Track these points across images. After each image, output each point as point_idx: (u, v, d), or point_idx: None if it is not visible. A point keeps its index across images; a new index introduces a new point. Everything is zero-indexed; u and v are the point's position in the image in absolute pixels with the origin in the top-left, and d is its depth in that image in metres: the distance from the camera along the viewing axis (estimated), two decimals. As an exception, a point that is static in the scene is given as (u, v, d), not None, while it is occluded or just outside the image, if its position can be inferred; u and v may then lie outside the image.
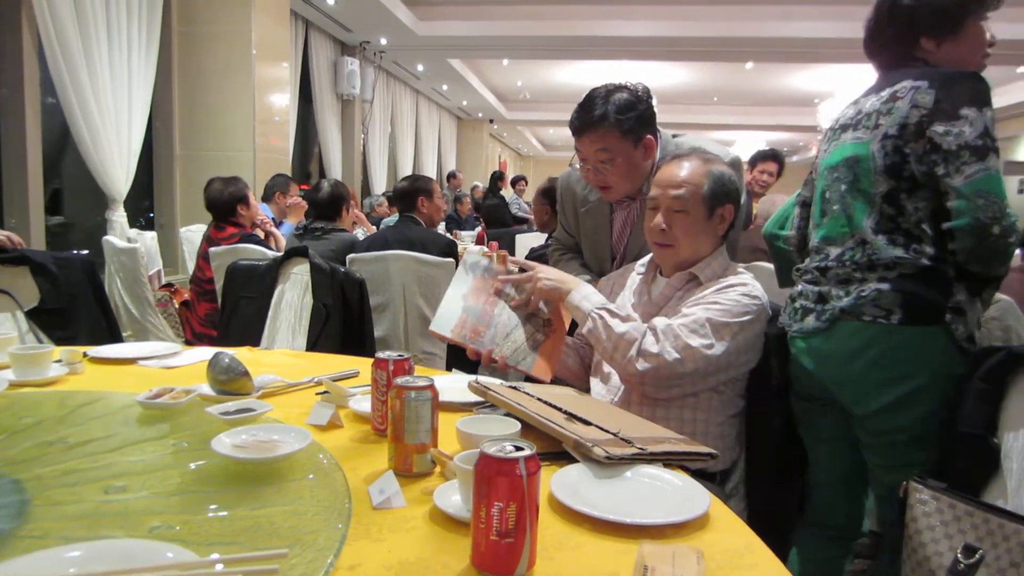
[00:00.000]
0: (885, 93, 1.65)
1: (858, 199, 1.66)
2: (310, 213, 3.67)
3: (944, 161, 1.51)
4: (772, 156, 4.79)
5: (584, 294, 1.68)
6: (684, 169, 1.70)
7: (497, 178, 10.18)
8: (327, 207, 3.53)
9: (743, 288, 1.62)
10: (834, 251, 1.70)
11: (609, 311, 1.63)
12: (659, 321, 1.60)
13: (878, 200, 1.62)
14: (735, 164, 1.92)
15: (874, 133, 1.63)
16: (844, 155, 1.70)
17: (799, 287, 1.79)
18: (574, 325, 1.77)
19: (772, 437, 1.77)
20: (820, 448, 1.81)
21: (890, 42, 1.72)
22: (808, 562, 1.83)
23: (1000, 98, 10.63)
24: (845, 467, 1.77)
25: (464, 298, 1.70)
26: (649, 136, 1.90)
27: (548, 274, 1.73)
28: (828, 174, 1.76)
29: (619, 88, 1.89)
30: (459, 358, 3.27)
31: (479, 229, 7.09)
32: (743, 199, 2.00)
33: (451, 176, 10.98)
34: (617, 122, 1.84)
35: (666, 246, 1.71)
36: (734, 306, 1.58)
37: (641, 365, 1.54)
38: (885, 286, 1.58)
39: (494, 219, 6.95)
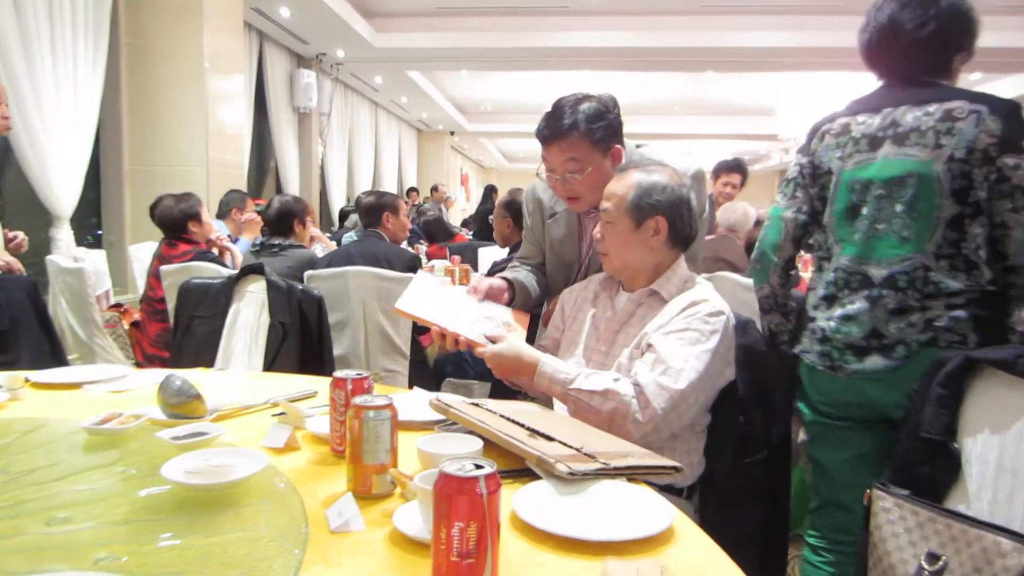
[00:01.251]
0: (935, 109, 1.64)
1: (919, 220, 1.64)
2: (265, 230, 3.63)
3: (1011, 195, 1.56)
4: (736, 167, 4.84)
5: (548, 377, 1.59)
6: (618, 182, 1.74)
7: (491, 191, 10.20)
8: (277, 223, 3.50)
9: (707, 306, 1.63)
10: (879, 273, 1.68)
11: (586, 391, 1.55)
12: (644, 376, 1.54)
13: (942, 224, 1.62)
14: (697, 177, 1.94)
15: (936, 153, 1.62)
16: (895, 172, 1.67)
17: (831, 324, 1.75)
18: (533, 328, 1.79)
19: (738, 449, 1.79)
20: (840, 465, 1.82)
21: (926, 50, 1.69)
22: None
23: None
24: (863, 482, 1.78)
25: (427, 289, 1.75)
26: (617, 146, 1.92)
27: (504, 357, 1.64)
28: (864, 189, 1.72)
29: (587, 97, 1.90)
30: (421, 376, 3.26)
31: (428, 246, 7.08)
32: (706, 211, 2.02)
33: (433, 191, 10.93)
34: (588, 131, 1.85)
35: (603, 254, 1.76)
36: (703, 326, 1.59)
37: (639, 434, 1.52)
38: (960, 313, 1.61)
39: (436, 232, 7.01)
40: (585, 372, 1.59)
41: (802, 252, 1.98)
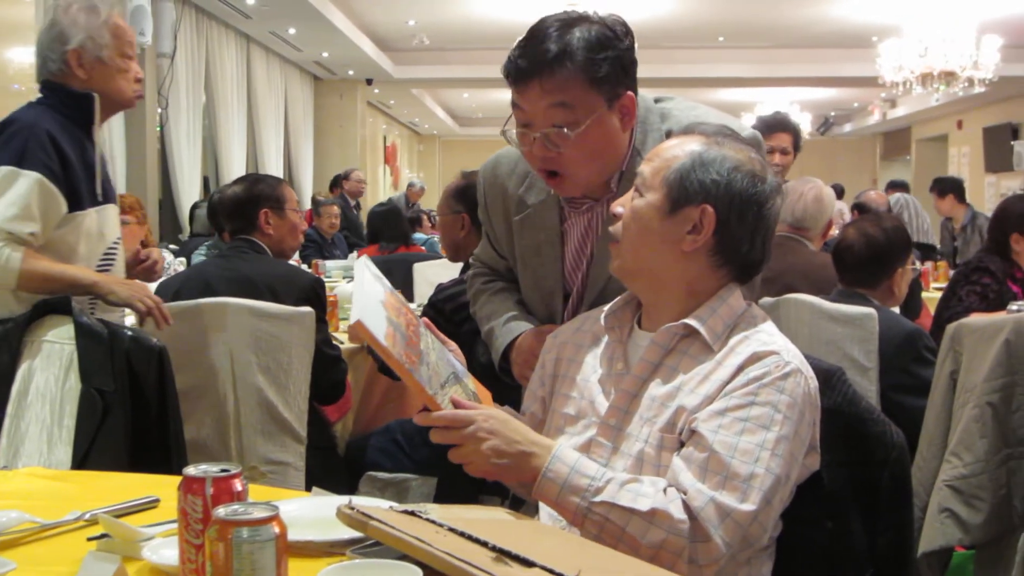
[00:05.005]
0: None
1: None
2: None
3: None
4: (781, 126, 4.82)
5: (561, 481, 1.59)
6: (671, 142, 1.77)
7: (340, 179, 10.25)
8: None
9: (775, 361, 1.64)
10: None
11: (622, 508, 1.55)
12: (695, 494, 1.55)
13: None
14: (753, 145, 1.97)
15: None
16: None
17: None
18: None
19: (826, 570, 1.81)
20: None
21: None
22: None
23: None
24: None
25: (384, 307, 1.67)
26: (629, 93, 1.95)
27: (491, 438, 1.62)
28: None
29: (584, 18, 1.92)
30: (327, 469, 3.25)
31: (356, 252, 7.02)
32: (769, 202, 2.05)
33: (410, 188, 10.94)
34: (586, 63, 1.87)
35: (614, 242, 1.77)
36: (775, 397, 1.61)
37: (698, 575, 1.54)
38: None
39: (386, 232, 6.73)
40: (620, 477, 1.59)
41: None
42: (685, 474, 1.58)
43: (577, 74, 1.87)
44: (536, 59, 1.88)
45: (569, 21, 1.90)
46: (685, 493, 1.56)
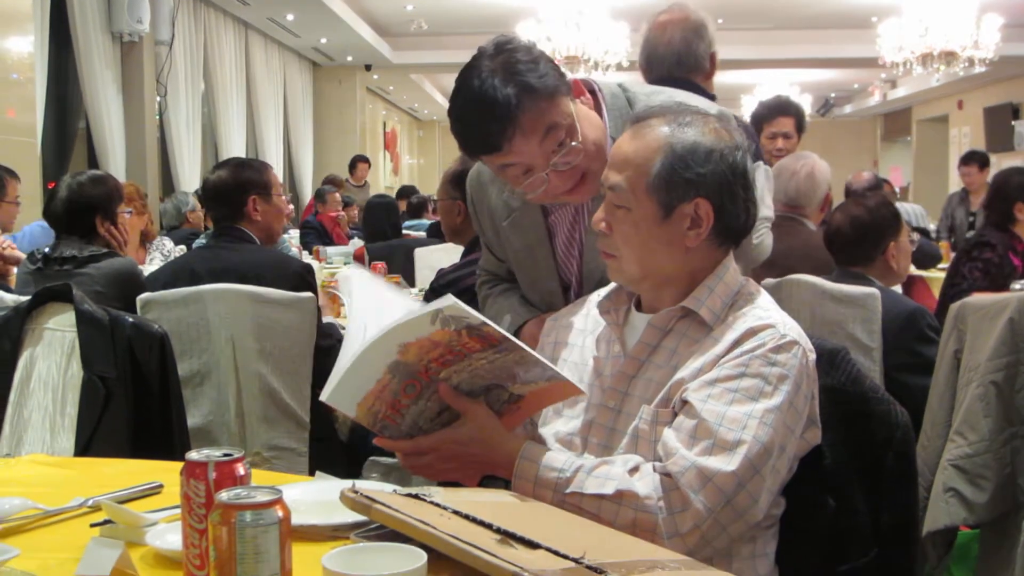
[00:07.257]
0: None
1: None
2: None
3: None
4: (782, 109, 4.81)
5: (533, 479, 1.63)
6: (633, 140, 1.72)
7: (357, 160, 10.25)
8: (67, 221, 3.43)
9: (771, 334, 1.64)
10: None
11: (590, 496, 1.58)
12: (677, 459, 1.56)
13: None
14: (722, 121, 1.96)
15: None
16: None
17: None
18: None
19: (830, 549, 1.81)
20: None
21: None
22: None
23: None
24: None
25: (402, 341, 1.57)
26: (572, 79, 1.96)
27: (460, 455, 1.69)
28: None
29: (495, 53, 1.89)
30: (329, 455, 3.24)
31: (359, 245, 7.05)
32: (760, 181, 2.05)
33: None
34: (542, 85, 1.86)
35: (609, 256, 1.76)
36: (767, 369, 1.61)
37: (683, 549, 1.53)
38: None
39: (375, 226, 6.82)
40: (588, 464, 1.61)
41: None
42: (672, 442, 1.59)
43: (539, 99, 1.85)
44: (502, 117, 1.84)
45: (489, 72, 1.86)
46: (670, 458, 1.57)
